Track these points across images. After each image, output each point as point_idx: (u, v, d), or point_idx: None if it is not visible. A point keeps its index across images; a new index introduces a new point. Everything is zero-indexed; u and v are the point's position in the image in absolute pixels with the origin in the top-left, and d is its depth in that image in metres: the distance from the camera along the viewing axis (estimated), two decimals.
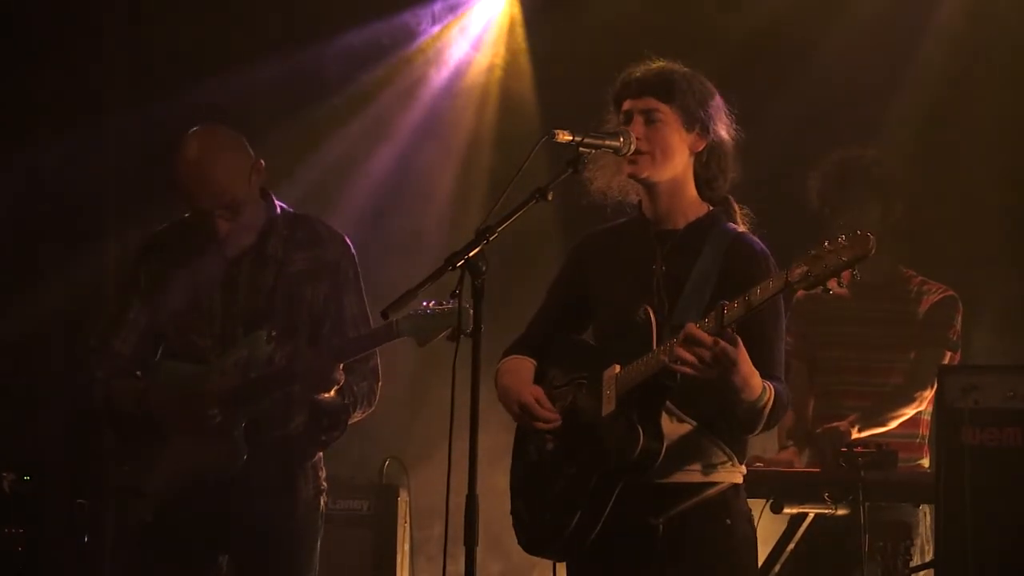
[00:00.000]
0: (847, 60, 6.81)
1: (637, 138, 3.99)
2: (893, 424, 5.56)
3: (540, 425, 4.01)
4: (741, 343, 3.71)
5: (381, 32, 7.50)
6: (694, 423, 3.93)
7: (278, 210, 4.84)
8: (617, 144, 3.97)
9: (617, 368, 3.92)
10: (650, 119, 4.01)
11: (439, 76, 7.63)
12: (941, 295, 5.69)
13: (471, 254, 3.69)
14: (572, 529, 3.92)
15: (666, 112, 4.01)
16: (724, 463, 3.98)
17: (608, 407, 3.92)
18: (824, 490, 5.09)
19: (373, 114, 7.60)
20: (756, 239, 4.07)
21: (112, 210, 7.43)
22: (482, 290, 3.70)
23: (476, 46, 7.64)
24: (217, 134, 4.78)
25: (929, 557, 5.15)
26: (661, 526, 3.93)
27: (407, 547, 6.63)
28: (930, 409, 5.62)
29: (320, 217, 4.96)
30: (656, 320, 3.91)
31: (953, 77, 6.67)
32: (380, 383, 4.84)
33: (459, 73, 7.65)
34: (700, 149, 4.05)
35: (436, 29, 7.58)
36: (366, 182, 7.58)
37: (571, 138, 3.91)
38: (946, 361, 5.54)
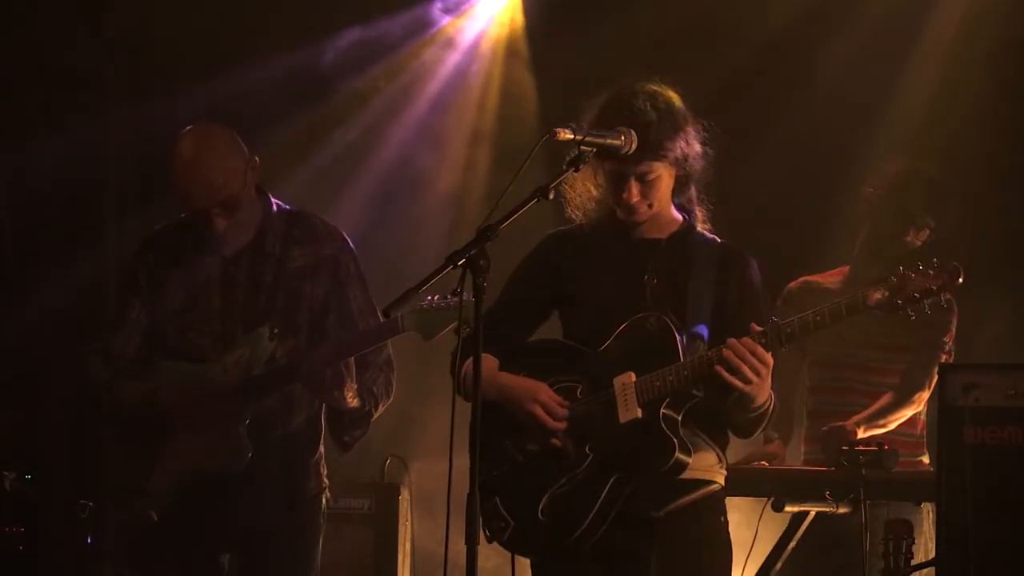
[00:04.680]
0: (847, 70, 6.81)
1: (637, 199, 4.04)
2: (893, 425, 5.59)
3: (554, 425, 4.04)
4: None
5: (383, 29, 7.49)
6: (692, 426, 4.01)
7: (274, 207, 4.83)
8: (618, 143, 3.98)
9: (633, 376, 3.96)
10: (645, 180, 4.05)
11: (438, 73, 7.63)
12: None
13: (472, 252, 3.71)
14: (582, 530, 3.96)
15: (659, 167, 4.05)
16: (716, 465, 4.10)
17: (628, 414, 3.96)
18: (825, 488, 5.09)
19: (372, 113, 7.60)
20: (732, 244, 4.16)
21: (112, 207, 7.43)
22: (484, 288, 3.72)
23: (475, 43, 7.64)
24: (211, 132, 4.77)
25: (930, 556, 5.14)
26: (662, 518, 4.01)
27: (408, 545, 6.63)
28: (926, 410, 5.65)
29: (317, 213, 4.96)
30: (676, 330, 3.95)
31: (953, 82, 6.69)
32: (395, 372, 4.84)
33: (459, 70, 7.64)
34: (684, 176, 4.12)
35: (439, 26, 7.58)
36: (367, 180, 7.58)
37: (572, 136, 3.92)
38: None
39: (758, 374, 3.81)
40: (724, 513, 4.13)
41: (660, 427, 3.91)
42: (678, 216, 4.18)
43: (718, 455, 4.10)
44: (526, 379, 4.13)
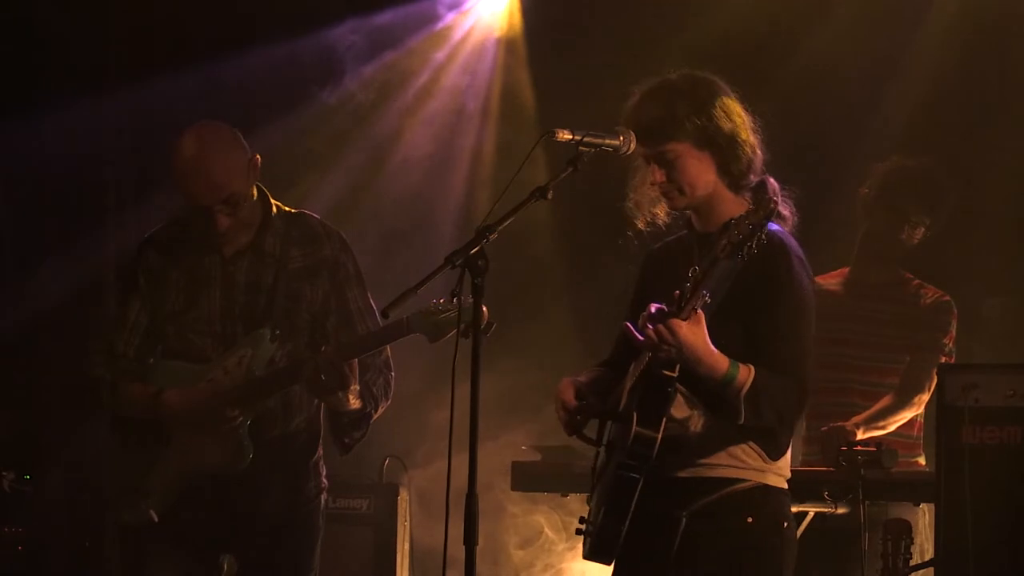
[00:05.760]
0: (841, 59, 6.80)
1: (662, 181, 4.01)
2: (893, 427, 5.60)
3: (567, 420, 4.06)
4: (701, 321, 3.76)
5: (386, 24, 7.49)
6: (724, 420, 3.94)
7: (274, 208, 4.84)
8: (617, 143, 3.97)
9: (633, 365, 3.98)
10: (664, 161, 4.01)
11: (438, 73, 7.63)
12: (938, 300, 5.71)
13: (471, 253, 3.71)
14: (599, 526, 3.94)
15: (676, 147, 4.00)
16: (754, 461, 3.99)
17: (623, 402, 3.96)
18: (824, 488, 5.09)
19: (371, 110, 7.61)
20: (784, 234, 4.04)
21: (112, 201, 7.42)
22: (482, 288, 3.71)
23: (475, 41, 7.65)
24: (214, 130, 4.77)
25: (929, 556, 5.15)
26: (684, 519, 3.95)
27: (407, 546, 6.63)
28: (923, 411, 5.65)
29: (314, 214, 4.96)
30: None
31: (950, 77, 6.68)
32: (393, 373, 4.85)
33: (459, 67, 7.65)
34: (720, 158, 4.04)
35: (443, 22, 7.58)
36: (369, 181, 7.59)
37: (571, 137, 3.92)
38: None
39: (663, 340, 3.76)
40: (756, 512, 3.97)
41: (631, 407, 3.87)
42: (741, 204, 4.03)
43: (756, 451, 3.98)
44: (565, 384, 4.12)
